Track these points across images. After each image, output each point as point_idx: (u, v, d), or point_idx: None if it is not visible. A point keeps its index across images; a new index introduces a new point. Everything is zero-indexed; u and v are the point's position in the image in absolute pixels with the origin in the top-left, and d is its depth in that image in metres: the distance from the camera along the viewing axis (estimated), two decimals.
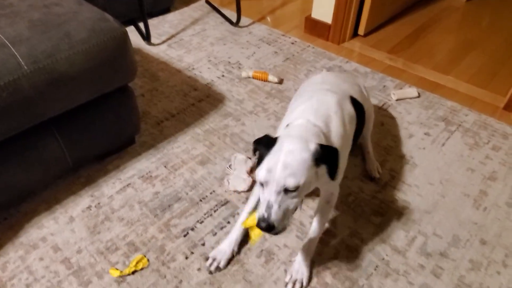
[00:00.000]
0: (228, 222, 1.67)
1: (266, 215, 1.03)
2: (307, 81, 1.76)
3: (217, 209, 1.73)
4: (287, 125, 1.24)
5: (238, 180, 1.83)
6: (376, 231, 1.65)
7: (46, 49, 1.39)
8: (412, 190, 1.83)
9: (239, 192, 1.80)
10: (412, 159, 1.99)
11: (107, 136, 1.84)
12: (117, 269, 1.48)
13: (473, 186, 1.86)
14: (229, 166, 1.91)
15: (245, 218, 1.55)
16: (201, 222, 1.67)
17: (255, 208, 1.56)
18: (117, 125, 1.86)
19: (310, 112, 1.26)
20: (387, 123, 2.21)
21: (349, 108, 1.43)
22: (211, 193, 1.80)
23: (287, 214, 1.07)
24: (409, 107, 2.33)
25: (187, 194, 1.79)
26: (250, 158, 1.91)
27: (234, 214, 1.70)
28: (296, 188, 1.05)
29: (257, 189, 1.57)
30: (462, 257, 1.56)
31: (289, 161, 1.03)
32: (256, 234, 1.20)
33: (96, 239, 1.60)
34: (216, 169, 1.92)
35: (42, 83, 1.38)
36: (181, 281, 1.46)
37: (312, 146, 1.08)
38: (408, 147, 2.06)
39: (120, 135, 1.91)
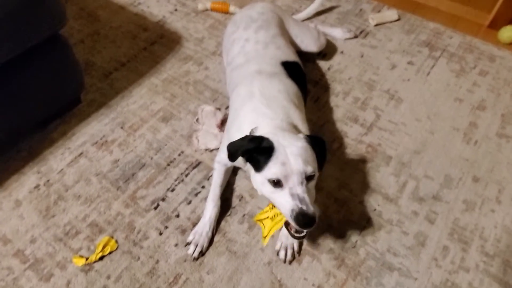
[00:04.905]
0: (203, 187, 1.48)
1: (304, 207, 1.00)
2: (226, 47, 1.67)
3: (189, 173, 1.52)
4: (252, 130, 1.20)
5: (208, 136, 1.60)
6: (365, 179, 1.52)
7: None
8: (400, 129, 1.68)
9: (211, 150, 1.58)
10: (396, 94, 1.82)
11: (44, 97, 1.52)
12: (81, 257, 1.29)
13: (462, 118, 1.73)
14: (196, 120, 1.67)
15: (217, 194, 1.39)
16: (172, 190, 1.47)
17: (224, 183, 1.44)
18: (54, 83, 1.54)
19: (266, 110, 1.25)
20: (367, 54, 1.98)
21: (290, 85, 1.40)
22: (179, 155, 1.57)
23: (313, 201, 1.06)
24: (390, 32, 2.10)
25: (151, 158, 1.56)
26: (219, 109, 1.66)
27: (208, 177, 1.51)
28: (314, 174, 1.06)
29: (219, 165, 1.42)
30: (456, 198, 1.48)
31: (296, 151, 1.04)
32: (272, 228, 1.14)
33: (51, 223, 1.37)
34: (181, 125, 1.67)
35: None
36: (157, 261, 1.30)
37: (301, 136, 1.12)
38: (392, 79, 1.88)
39: (60, 95, 1.60)
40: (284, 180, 1.03)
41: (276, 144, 1.06)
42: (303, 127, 1.27)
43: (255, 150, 1.07)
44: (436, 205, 1.46)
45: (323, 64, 1.93)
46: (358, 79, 1.87)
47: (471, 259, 1.33)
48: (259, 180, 1.08)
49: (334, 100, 1.78)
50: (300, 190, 1.02)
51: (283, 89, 1.34)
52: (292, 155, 1.03)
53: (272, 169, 1.03)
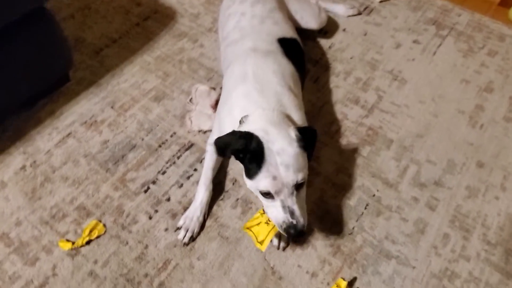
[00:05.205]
0: (195, 170, 1.43)
1: (294, 222, 1.02)
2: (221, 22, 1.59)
3: (181, 155, 1.46)
4: (242, 119, 1.15)
5: (201, 117, 1.54)
6: (364, 163, 1.46)
7: None
8: (402, 111, 1.61)
9: (204, 132, 1.52)
10: (400, 74, 1.73)
11: (29, 75, 1.45)
12: (68, 241, 1.25)
13: (468, 100, 1.65)
14: (190, 100, 1.60)
15: (209, 177, 1.33)
16: (163, 172, 1.42)
17: (215, 167, 1.37)
18: (40, 60, 1.47)
19: (258, 97, 1.18)
20: (371, 32, 1.89)
21: (286, 65, 1.32)
22: (171, 136, 1.51)
23: (304, 208, 1.07)
24: (395, 9, 2.00)
25: (142, 139, 1.50)
26: (214, 89, 1.59)
27: (201, 159, 1.45)
28: (304, 180, 1.05)
29: (211, 148, 1.35)
30: (458, 184, 1.42)
31: (287, 160, 1.02)
32: (270, 232, 1.12)
33: (38, 206, 1.33)
34: (174, 105, 1.60)
35: None
36: (146, 246, 1.26)
37: (293, 133, 1.06)
38: (396, 59, 1.79)
39: (47, 72, 1.52)
40: (275, 193, 1.03)
41: (266, 150, 1.02)
42: (297, 115, 1.21)
43: (244, 151, 1.04)
44: (437, 191, 1.40)
45: (324, 42, 1.84)
46: (360, 59, 1.78)
47: (472, 247, 1.28)
48: (252, 186, 1.07)
49: (334, 81, 1.70)
50: (290, 202, 1.03)
51: (278, 70, 1.26)
52: (283, 166, 1.01)
53: (263, 182, 1.02)
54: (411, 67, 1.75)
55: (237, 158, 1.08)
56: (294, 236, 1.05)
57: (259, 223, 1.16)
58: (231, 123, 1.19)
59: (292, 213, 1.03)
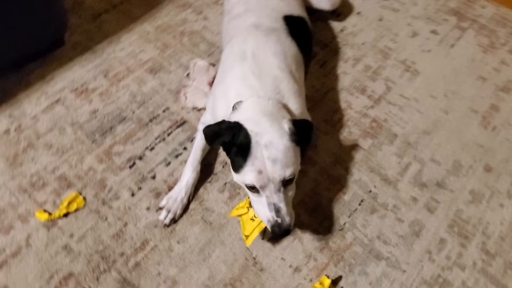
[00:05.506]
0: (185, 148, 1.36)
1: (279, 220, 0.97)
2: None
3: (171, 132, 1.39)
4: (235, 105, 1.08)
5: (197, 93, 1.46)
6: (364, 157, 1.37)
7: None
8: (411, 105, 1.51)
9: (198, 109, 1.44)
10: (414, 65, 1.62)
11: (20, 35, 1.38)
12: (45, 211, 1.20)
13: (483, 99, 1.54)
14: (187, 75, 1.52)
15: (198, 158, 1.26)
16: (152, 148, 1.35)
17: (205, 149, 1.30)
18: (34, 20, 1.39)
19: (255, 82, 1.10)
20: (386, 18, 1.77)
21: (289, 46, 1.23)
22: (164, 111, 1.44)
23: (290, 204, 1.02)
24: None
25: (133, 112, 1.43)
26: (213, 65, 1.51)
27: (192, 138, 1.38)
28: (293, 176, 1.00)
29: (203, 127, 1.28)
30: (462, 187, 1.33)
31: (274, 154, 0.96)
32: (255, 229, 1.07)
33: (18, 172, 1.28)
34: (170, 79, 1.52)
35: None
36: (126, 224, 1.20)
37: (286, 126, 1.00)
38: (410, 49, 1.67)
39: (39, 34, 1.45)
40: (261, 188, 0.98)
41: (253, 143, 0.96)
42: (296, 103, 1.13)
43: (231, 143, 0.98)
44: (439, 192, 1.31)
45: (335, 25, 1.73)
46: (372, 45, 1.67)
47: (469, 256, 1.20)
48: (238, 179, 1.02)
49: (342, 66, 1.60)
50: (276, 199, 0.98)
51: (279, 51, 1.17)
52: (269, 160, 0.95)
53: (248, 176, 0.96)
54: (426, 59, 1.64)
55: (224, 149, 1.03)
56: (280, 235, 1.00)
57: (245, 213, 1.10)
58: (225, 106, 1.13)
59: (278, 211, 0.97)
